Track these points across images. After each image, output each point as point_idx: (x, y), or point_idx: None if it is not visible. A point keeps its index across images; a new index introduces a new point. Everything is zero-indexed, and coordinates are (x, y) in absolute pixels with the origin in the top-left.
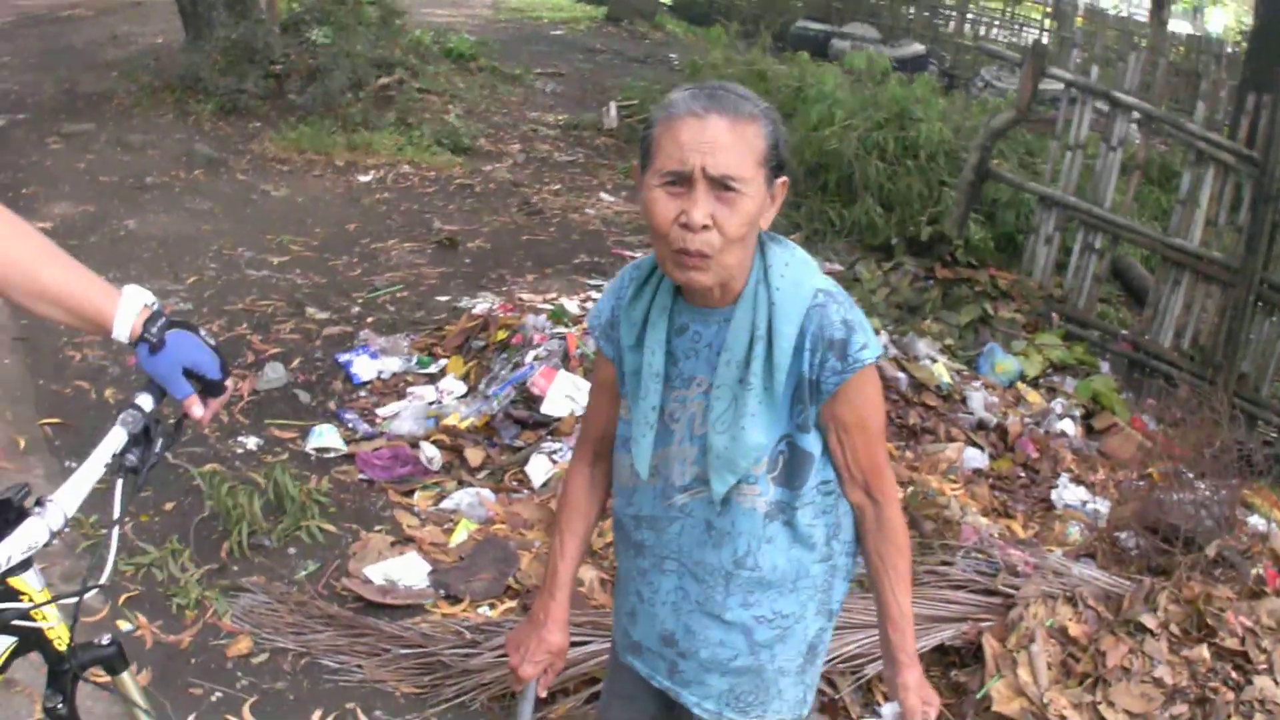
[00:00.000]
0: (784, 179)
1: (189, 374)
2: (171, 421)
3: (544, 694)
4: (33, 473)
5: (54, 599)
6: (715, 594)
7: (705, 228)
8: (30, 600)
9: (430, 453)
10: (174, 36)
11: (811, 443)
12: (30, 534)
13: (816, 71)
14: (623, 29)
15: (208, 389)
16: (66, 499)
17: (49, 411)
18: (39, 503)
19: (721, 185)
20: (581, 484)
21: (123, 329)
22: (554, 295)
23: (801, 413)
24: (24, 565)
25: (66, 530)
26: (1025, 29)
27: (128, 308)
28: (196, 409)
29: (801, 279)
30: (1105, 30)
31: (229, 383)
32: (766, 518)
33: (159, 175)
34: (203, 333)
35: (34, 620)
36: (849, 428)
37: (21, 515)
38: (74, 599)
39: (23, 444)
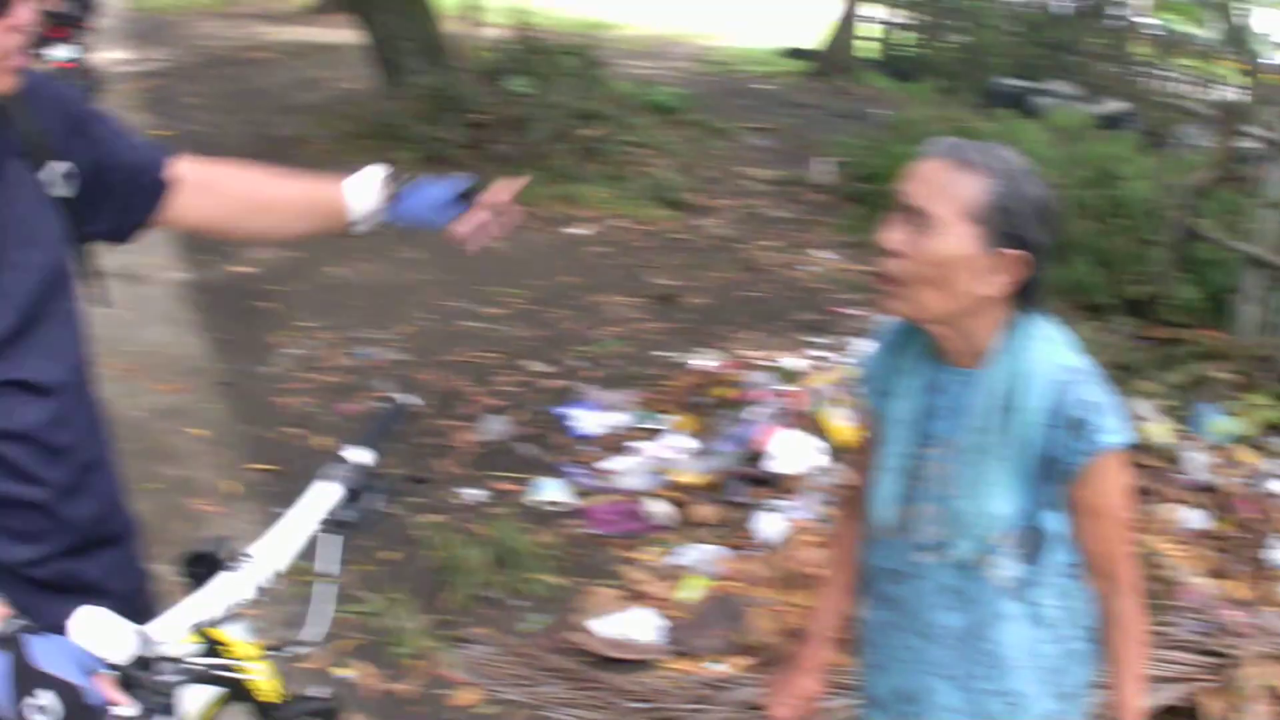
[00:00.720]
0: (1010, 250)
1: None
2: (396, 474)
3: None
4: (240, 519)
5: (264, 653)
6: (950, 659)
7: (894, 254)
8: (239, 654)
9: (658, 508)
10: (368, 82)
11: (1054, 522)
12: (233, 588)
13: (1020, 128)
14: (826, 83)
15: (465, 196)
16: (274, 552)
17: (257, 457)
18: (244, 556)
19: (917, 218)
20: (846, 536)
21: (367, 198)
22: (775, 352)
23: (1044, 489)
24: (229, 619)
25: (273, 585)
26: (1221, 87)
27: (364, 178)
28: (463, 229)
29: (1053, 354)
30: None
31: (485, 196)
32: (1003, 592)
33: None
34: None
35: (240, 673)
36: (1091, 512)
37: (223, 568)
38: (282, 654)
39: (230, 489)
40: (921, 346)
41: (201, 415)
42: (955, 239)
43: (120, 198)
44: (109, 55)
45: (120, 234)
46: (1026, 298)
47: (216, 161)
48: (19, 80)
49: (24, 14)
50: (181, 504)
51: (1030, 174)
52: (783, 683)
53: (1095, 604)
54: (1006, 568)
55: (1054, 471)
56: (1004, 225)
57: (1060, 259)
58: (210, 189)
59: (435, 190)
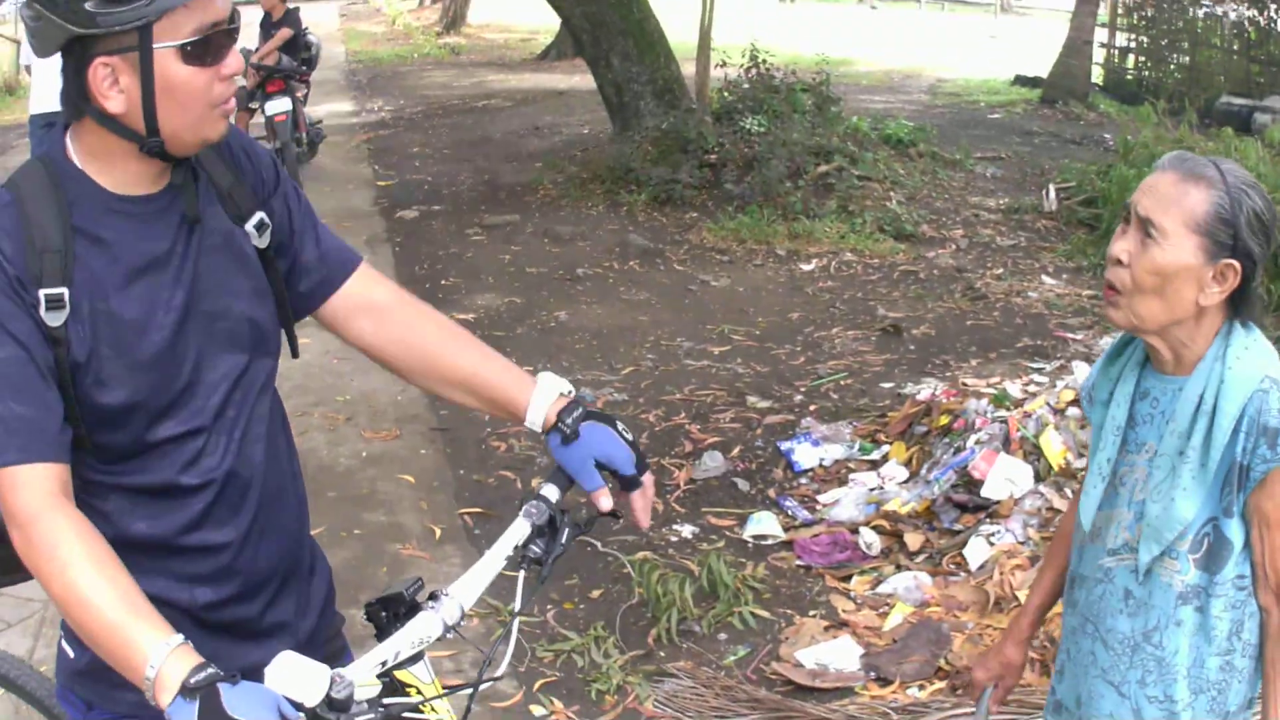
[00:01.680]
0: (1230, 260)
1: (600, 467)
2: (584, 515)
3: (994, 708)
4: (448, 562)
5: (446, 692)
6: (1120, 664)
7: (1119, 263)
8: (418, 693)
9: (869, 538)
10: (599, 128)
11: (1234, 531)
12: (421, 628)
13: (1239, 146)
14: (1057, 110)
15: (622, 485)
16: (463, 592)
17: (469, 501)
18: (433, 596)
19: (1143, 228)
20: (1067, 525)
21: (536, 416)
22: (997, 380)
23: (1229, 496)
24: (414, 659)
25: (462, 624)
26: None
27: (543, 395)
28: (605, 501)
29: (1256, 363)
30: None
31: (646, 478)
32: (1180, 598)
33: (590, 267)
34: (620, 426)
35: (423, 713)
36: (1271, 524)
37: (414, 609)
38: (467, 690)
39: (439, 533)
40: (1138, 356)
41: (414, 461)
42: (1179, 249)
43: (286, 281)
44: (330, 107)
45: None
46: (1239, 308)
47: (410, 301)
48: (227, 129)
49: (234, 63)
50: (386, 549)
51: (1253, 186)
52: (989, 651)
53: (1261, 620)
54: (1184, 573)
55: (1240, 479)
56: (1225, 236)
57: (1274, 273)
58: (392, 321)
59: (603, 449)
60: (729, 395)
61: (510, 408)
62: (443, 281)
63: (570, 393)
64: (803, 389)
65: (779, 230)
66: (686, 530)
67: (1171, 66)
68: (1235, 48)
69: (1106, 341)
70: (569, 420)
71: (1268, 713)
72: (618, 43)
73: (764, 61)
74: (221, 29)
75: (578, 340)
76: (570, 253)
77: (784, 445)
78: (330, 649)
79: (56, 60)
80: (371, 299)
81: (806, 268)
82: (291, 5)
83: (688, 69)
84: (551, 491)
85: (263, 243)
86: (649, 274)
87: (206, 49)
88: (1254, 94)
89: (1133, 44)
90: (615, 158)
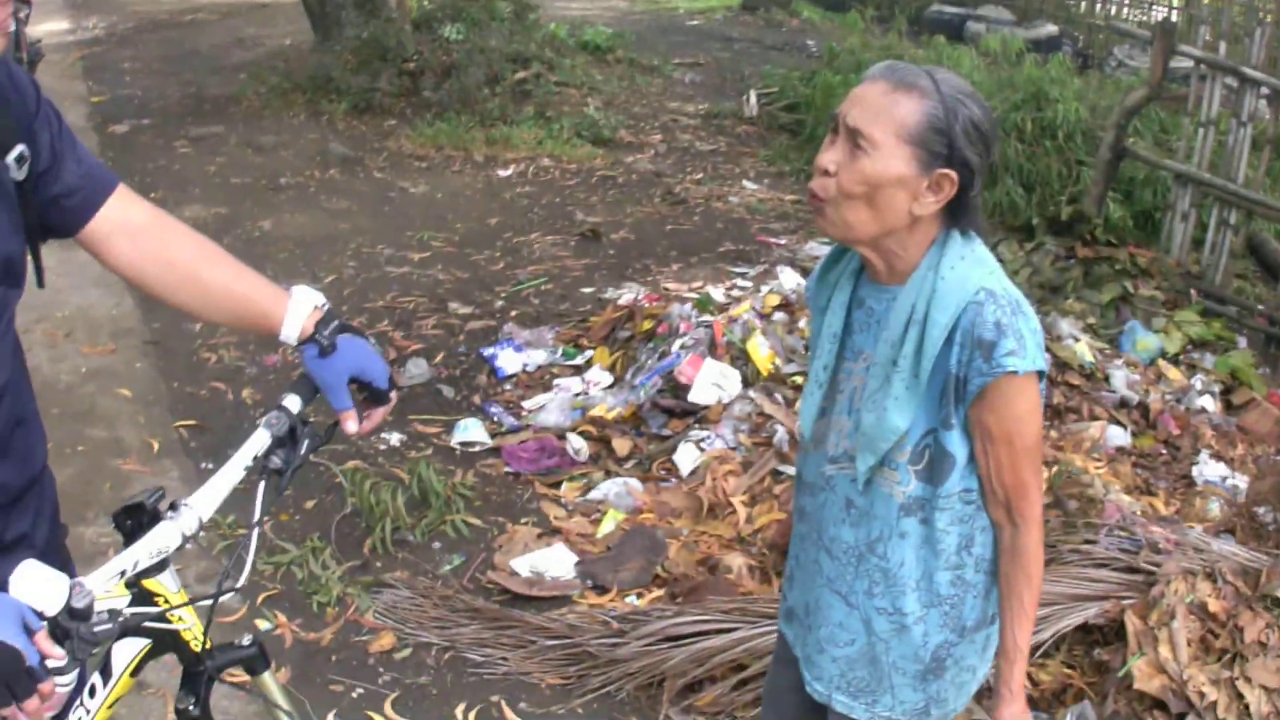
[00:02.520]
0: (945, 170)
1: (354, 382)
2: (323, 426)
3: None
4: (167, 475)
5: (190, 601)
6: (846, 573)
7: (826, 173)
8: (166, 602)
9: (577, 444)
10: (301, 38)
11: (956, 444)
12: (161, 538)
13: (952, 55)
14: (759, 17)
15: (373, 398)
16: (202, 502)
17: (184, 414)
18: (173, 506)
19: (852, 139)
20: None
21: (292, 329)
22: (699, 284)
23: (947, 408)
24: (159, 567)
25: (201, 533)
26: (1155, 7)
27: (298, 308)
28: (351, 423)
29: (970, 274)
30: (1233, 6)
31: (393, 394)
32: (903, 510)
33: (293, 176)
34: (371, 340)
35: (169, 622)
36: (994, 438)
37: (155, 519)
38: (209, 600)
39: (156, 447)
40: (854, 264)
41: (130, 375)
42: (890, 159)
43: (46, 206)
44: (48, 27)
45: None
46: (956, 217)
47: (168, 220)
48: None
49: None
50: (108, 464)
51: (970, 95)
52: None
53: (993, 535)
54: (905, 484)
55: (957, 391)
56: (939, 146)
57: (989, 180)
58: (148, 241)
59: (360, 363)
60: (431, 302)
61: (265, 322)
62: (151, 195)
63: (324, 305)
64: (503, 295)
65: (477, 137)
66: (394, 438)
67: None
68: None
69: (812, 246)
70: (326, 333)
71: (1003, 630)
72: None
73: None
74: None
75: (281, 249)
76: (273, 162)
77: (487, 351)
78: (60, 559)
79: None
80: (128, 219)
81: (504, 173)
82: None
83: None
84: (294, 402)
85: (20, 175)
86: (350, 182)
87: None
88: (967, 3)
89: None
90: (316, 67)
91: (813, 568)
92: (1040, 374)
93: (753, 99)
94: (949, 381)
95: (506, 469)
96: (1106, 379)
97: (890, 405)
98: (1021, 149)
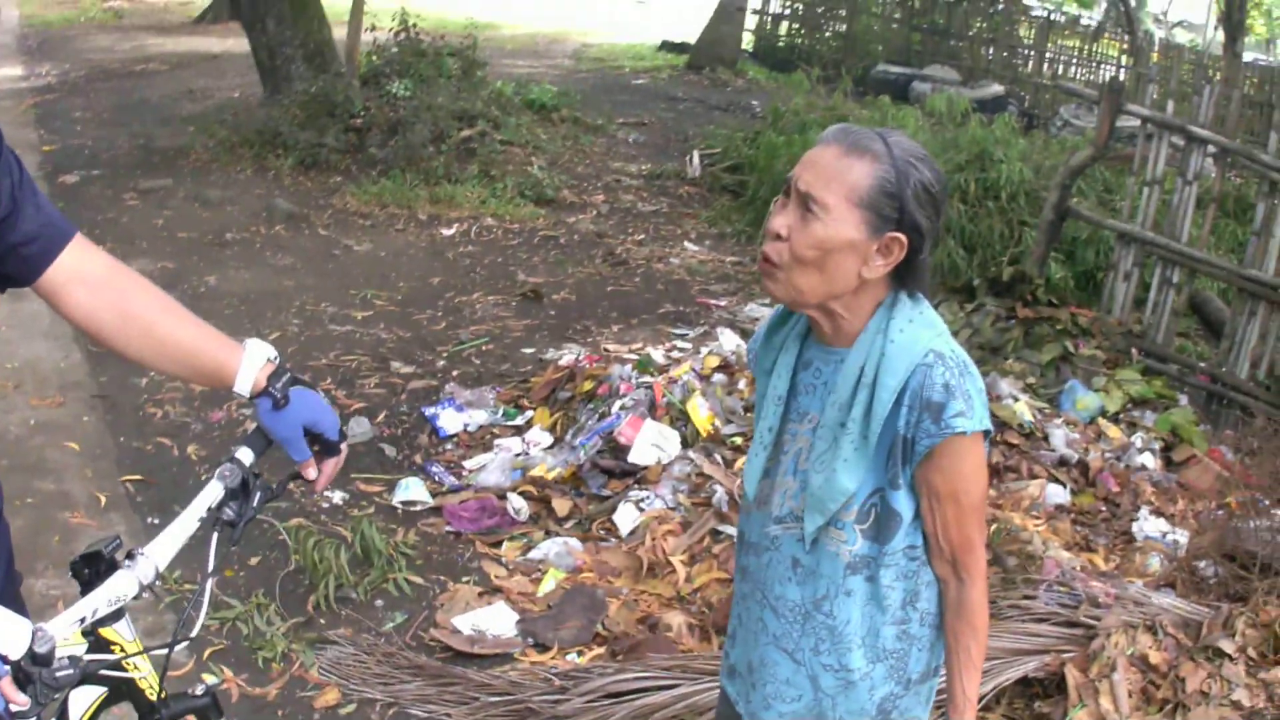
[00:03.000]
0: (895, 234)
1: (305, 434)
2: (276, 481)
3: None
4: (114, 529)
5: (146, 649)
6: (792, 631)
7: (778, 237)
8: (122, 650)
9: (517, 504)
10: (251, 91)
11: (902, 503)
12: (119, 586)
13: (897, 115)
14: (704, 77)
15: (324, 450)
16: (158, 552)
17: (130, 468)
18: (130, 555)
19: (804, 203)
20: None
21: (245, 383)
22: (640, 345)
23: (894, 469)
24: (115, 616)
25: (157, 583)
26: (1103, 67)
27: (251, 361)
28: (311, 471)
29: (918, 337)
30: (1181, 65)
31: (344, 445)
32: (849, 568)
33: (239, 231)
34: (320, 393)
35: (125, 670)
36: (941, 497)
37: (112, 567)
38: (165, 649)
39: (104, 500)
40: (800, 326)
41: (77, 428)
42: (841, 224)
43: (3, 254)
44: (1, 72)
45: None
46: (905, 280)
47: (125, 271)
48: None
49: None
50: (56, 517)
51: (922, 158)
52: None
53: (939, 590)
54: (851, 543)
55: (905, 452)
56: (890, 210)
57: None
58: (105, 291)
59: (312, 415)
60: (373, 360)
61: (219, 374)
62: (101, 247)
63: (275, 358)
64: (445, 354)
65: (421, 195)
66: (337, 496)
67: (827, 34)
68: (897, 16)
69: (752, 308)
70: (279, 385)
71: (952, 683)
72: (274, 6)
73: (414, 25)
74: None
75: (226, 305)
76: (219, 217)
77: (428, 411)
78: (17, 607)
79: None
80: (85, 270)
81: (448, 232)
82: None
83: (340, 33)
84: (246, 455)
85: None
86: (294, 239)
87: None
88: (913, 63)
89: (787, 11)
90: (264, 121)
91: (756, 625)
92: (986, 433)
93: (696, 160)
94: (897, 442)
95: (448, 528)
96: (1046, 438)
97: (839, 467)
98: (964, 210)
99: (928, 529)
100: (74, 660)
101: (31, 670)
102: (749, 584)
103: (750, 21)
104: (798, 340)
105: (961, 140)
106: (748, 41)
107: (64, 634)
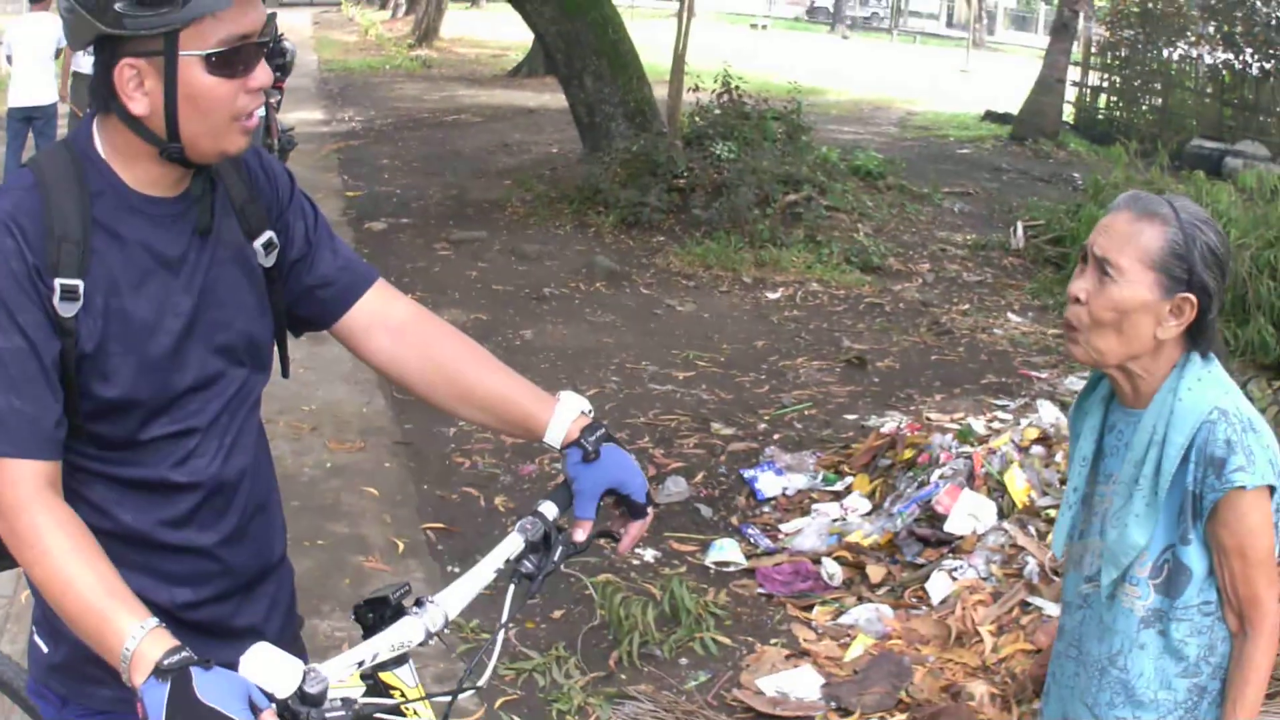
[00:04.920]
0: (1186, 294)
1: (611, 494)
2: (581, 536)
3: None
4: (411, 575)
5: (426, 695)
6: (1091, 686)
7: (1078, 301)
8: (402, 695)
9: (831, 568)
10: (568, 147)
11: (1193, 558)
12: (404, 632)
13: (1210, 191)
14: (1027, 148)
15: (630, 511)
16: (449, 601)
17: (432, 516)
18: (418, 602)
19: (1100, 267)
20: None
21: (557, 433)
22: (961, 415)
23: (1184, 525)
24: (398, 661)
25: (445, 631)
26: None
27: (565, 412)
28: (580, 533)
29: (1205, 395)
30: None
31: (650, 509)
32: (1142, 622)
33: (557, 286)
34: (632, 455)
35: (404, 716)
36: (1227, 551)
37: (399, 613)
38: (448, 697)
39: (401, 546)
40: (1105, 391)
41: (378, 474)
42: (1135, 286)
43: (300, 297)
44: (301, 115)
45: (291, 326)
46: (1196, 340)
47: (430, 318)
48: (247, 145)
49: (262, 76)
50: (348, 560)
51: (1206, 222)
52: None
53: (1229, 643)
54: (1144, 598)
55: (1195, 508)
56: (1179, 271)
57: (1241, 318)
58: (409, 336)
59: (619, 474)
60: (693, 421)
61: (529, 423)
62: (409, 295)
63: (590, 412)
64: (767, 417)
65: (745, 258)
66: (649, 554)
67: (1144, 108)
68: (1209, 91)
69: (1071, 381)
70: (591, 439)
71: None
72: (591, 62)
73: (736, 88)
74: (251, 42)
75: (543, 360)
76: (537, 271)
77: (747, 473)
78: (295, 649)
79: (37, 53)
80: (388, 315)
81: (772, 296)
82: (268, 11)
83: (660, 92)
84: (550, 509)
85: (268, 262)
86: (615, 296)
87: (233, 60)
88: (1225, 138)
89: (1105, 84)
90: (584, 178)
91: (1069, 681)
92: (1272, 490)
93: (1019, 231)
94: (1186, 498)
95: (760, 590)
96: None
97: (1131, 522)
98: (1274, 286)
99: (1220, 583)
100: (347, 703)
101: (299, 710)
102: (1064, 642)
103: (1070, 94)
104: (1102, 405)
105: (1272, 217)
106: (1068, 113)
107: (339, 676)
